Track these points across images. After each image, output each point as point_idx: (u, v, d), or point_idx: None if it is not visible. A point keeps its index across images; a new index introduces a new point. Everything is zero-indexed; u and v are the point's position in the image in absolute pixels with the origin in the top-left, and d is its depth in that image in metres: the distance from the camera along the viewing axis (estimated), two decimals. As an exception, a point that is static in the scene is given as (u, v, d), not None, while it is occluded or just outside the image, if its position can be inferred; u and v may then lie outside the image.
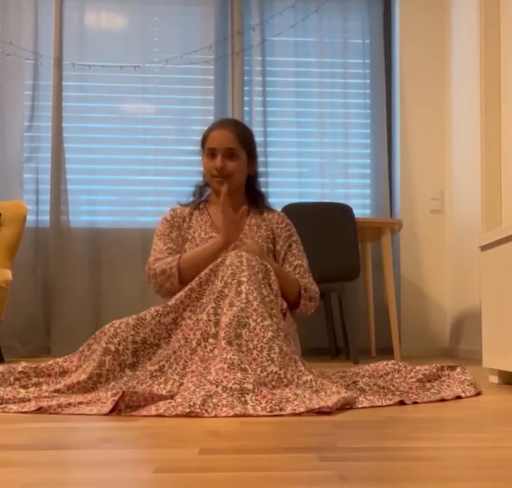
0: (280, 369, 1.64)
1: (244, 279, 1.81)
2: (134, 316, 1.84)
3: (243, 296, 1.77)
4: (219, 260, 1.92)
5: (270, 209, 2.26)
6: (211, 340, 1.78)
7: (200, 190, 2.26)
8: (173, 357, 1.79)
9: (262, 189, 2.29)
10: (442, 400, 1.72)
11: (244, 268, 1.84)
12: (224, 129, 2.13)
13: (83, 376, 1.72)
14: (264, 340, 1.69)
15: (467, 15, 3.83)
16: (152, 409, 1.51)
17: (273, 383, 1.62)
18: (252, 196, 2.24)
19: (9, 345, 3.99)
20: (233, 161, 2.12)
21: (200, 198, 2.25)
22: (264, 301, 1.81)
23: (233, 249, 2.07)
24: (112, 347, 1.75)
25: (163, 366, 1.77)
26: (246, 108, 4.28)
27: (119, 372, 1.74)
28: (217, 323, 1.79)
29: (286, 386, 1.63)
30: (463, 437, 1.18)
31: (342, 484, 0.82)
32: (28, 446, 1.11)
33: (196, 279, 1.90)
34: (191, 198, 2.26)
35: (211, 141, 2.12)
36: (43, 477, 0.87)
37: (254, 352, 1.67)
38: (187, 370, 1.75)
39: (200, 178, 2.27)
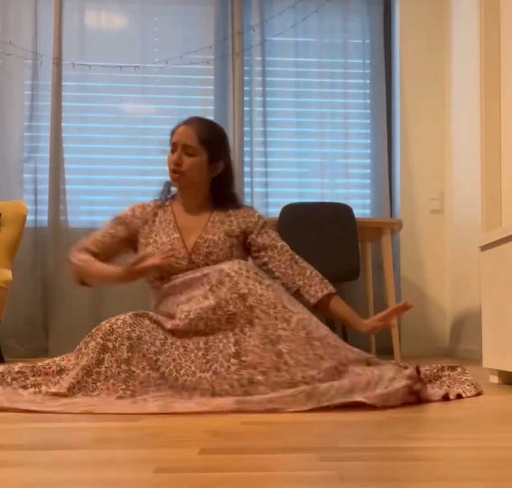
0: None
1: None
2: (131, 314, 1.84)
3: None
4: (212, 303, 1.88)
5: (235, 206, 2.21)
6: (233, 360, 1.75)
7: (168, 188, 2.24)
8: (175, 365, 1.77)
9: (237, 191, 2.24)
10: (445, 397, 1.72)
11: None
12: (188, 126, 2.12)
13: (81, 373, 1.72)
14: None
15: (467, 15, 3.83)
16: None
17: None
18: (218, 199, 2.19)
19: (8, 345, 3.98)
20: (190, 158, 2.10)
21: (168, 196, 2.22)
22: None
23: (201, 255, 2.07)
24: (110, 344, 1.76)
25: (162, 372, 1.75)
26: (246, 108, 4.28)
27: (116, 368, 1.74)
28: (237, 342, 1.78)
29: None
30: (463, 437, 1.18)
31: (342, 484, 0.82)
32: (28, 446, 1.11)
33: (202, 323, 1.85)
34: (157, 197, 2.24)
35: (174, 136, 2.12)
36: (43, 477, 0.87)
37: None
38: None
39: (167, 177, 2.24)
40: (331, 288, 2.11)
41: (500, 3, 3.48)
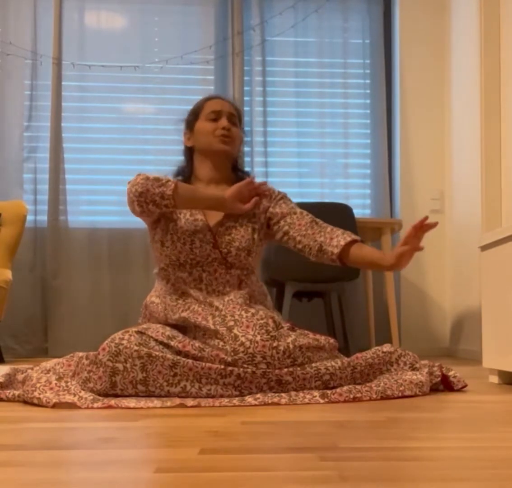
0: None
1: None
2: (135, 334, 1.75)
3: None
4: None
5: None
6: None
7: (183, 170, 2.17)
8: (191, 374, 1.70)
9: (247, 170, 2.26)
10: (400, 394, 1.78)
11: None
12: (224, 100, 2.13)
13: (96, 405, 1.62)
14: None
15: (467, 15, 3.83)
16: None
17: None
18: (238, 175, 2.19)
19: (8, 345, 3.98)
20: (234, 127, 2.09)
21: (184, 178, 2.15)
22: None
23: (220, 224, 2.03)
24: (120, 366, 1.67)
25: (185, 386, 1.69)
26: (246, 108, 4.28)
27: (132, 389, 1.67)
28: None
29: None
30: (463, 437, 1.18)
31: (342, 484, 0.82)
32: (28, 446, 1.10)
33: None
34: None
35: (213, 106, 2.09)
36: (43, 477, 0.87)
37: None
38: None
39: (181, 160, 2.19)
40: (354, 237, 1.96)
41: (500, 1, 3.47)
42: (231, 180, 2.15)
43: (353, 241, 1.95)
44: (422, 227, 1.84)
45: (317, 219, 2.05)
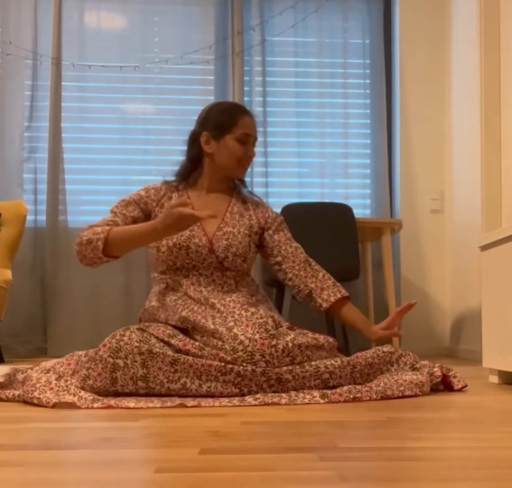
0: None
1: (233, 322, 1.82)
2: (137, 331, 1.76)
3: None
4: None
5: (253, 199, 2.22)
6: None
7: (186, 172, 2.15)
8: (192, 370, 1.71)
9: (246, 179, 2.28)
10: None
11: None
12: (253, 118, 2.18)
13: (96, 405, 1.61)
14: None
15: (467, 15, 3.83)
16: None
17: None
18: (235, 183, 2.22)
19: (7, 345, 3.98)
20: (253, 149, 2.16)
21: (184, 180, 2.15)
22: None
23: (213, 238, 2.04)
24: (120, 362, 1.68)
25: (185, 383, 1.69)
26: (246, 108, 4.28)
27: (132, 385, 1.68)
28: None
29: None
30: (463, 437, 1.18)
31: (342, 484, 0.82)
32: (28, 446, 1.10)
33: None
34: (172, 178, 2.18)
35: (246, 127, 2.12)
36: (43, 477, 0.87)
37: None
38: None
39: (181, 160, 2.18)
40: (343, 292, 2.10)
41: (500, 1, 3.47)
42: (229, 189, 2.20)
43: (342, 298, 2.10)
44: (407, 310, 2.01)
45: (310, 259, 2.14)
